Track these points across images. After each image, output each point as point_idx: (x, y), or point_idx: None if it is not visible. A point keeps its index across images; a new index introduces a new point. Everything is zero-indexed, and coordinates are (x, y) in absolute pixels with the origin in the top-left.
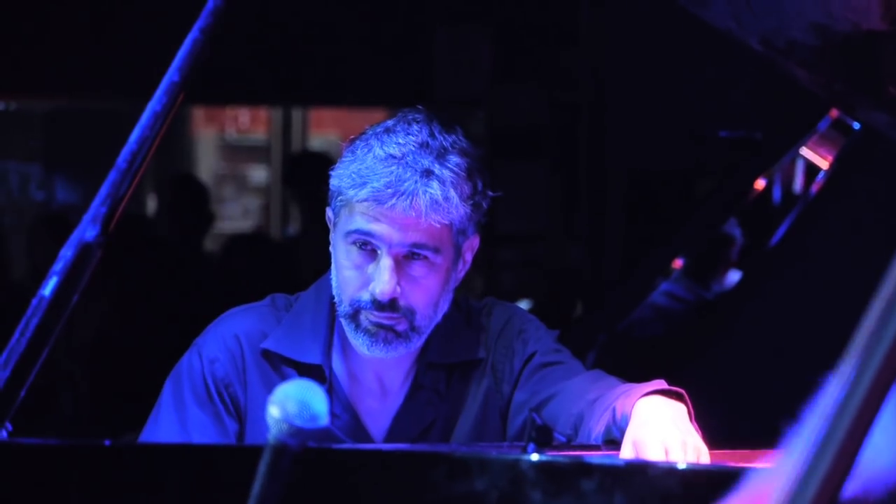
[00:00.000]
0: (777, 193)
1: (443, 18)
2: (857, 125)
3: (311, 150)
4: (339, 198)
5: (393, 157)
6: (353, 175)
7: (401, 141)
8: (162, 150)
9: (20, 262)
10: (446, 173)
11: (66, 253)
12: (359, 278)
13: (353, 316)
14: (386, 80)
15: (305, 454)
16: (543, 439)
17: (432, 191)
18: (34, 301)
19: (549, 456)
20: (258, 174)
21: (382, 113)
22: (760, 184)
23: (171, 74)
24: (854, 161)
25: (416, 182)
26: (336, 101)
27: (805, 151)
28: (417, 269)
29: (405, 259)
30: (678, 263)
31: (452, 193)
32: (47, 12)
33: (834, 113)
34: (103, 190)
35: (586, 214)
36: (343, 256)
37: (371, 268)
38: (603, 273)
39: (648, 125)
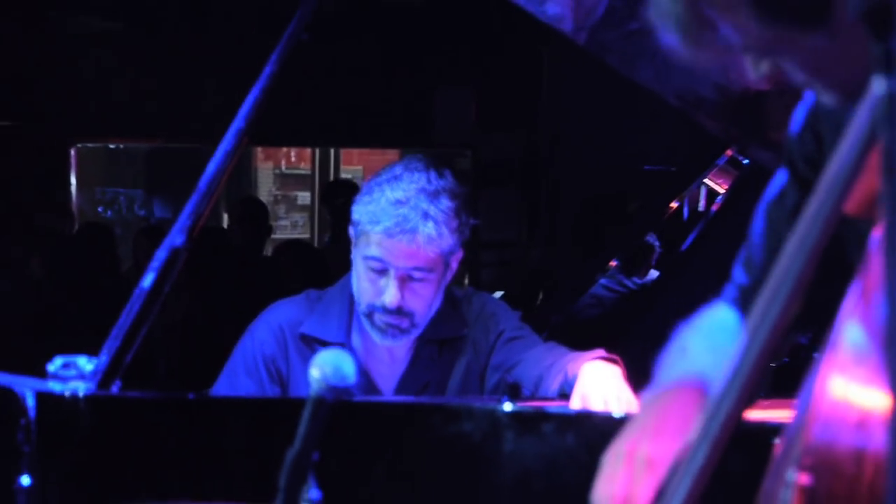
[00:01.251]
0: (686, 212)
1: (440, 82)
2: (746, 161)
3: (342, 179)
4: (359, 227)
5: (400, 201)
6: (371, 213)
7: (405, 188)
8: (232, 178)
9: (127, 262)
10: (440, 215)
11: (161, 255)
12: (373, 289)
13: (369, 315)
14: (398, 128)
15: (338, 405)
16: (513, 394)
17: (429, 230)
18: (136, 291)
19: (518, 406)
20: (303, 196)
21: (395, 152)
22: (674, 205)
23: (239, 122)
24: (744, 188)
25: (417, 223)
26: (360, 143)
27: (708, 180)
28: (416, 284)
29: (407, 278)
30: (613, 263)
31: (444, 230)
32: (148, 77)
33: (730, 151)
34: (188, 208)
35: (546, 228)
36: (361, 271)
37: (382, 282)
38: (557, 271)
39: (593, 161)
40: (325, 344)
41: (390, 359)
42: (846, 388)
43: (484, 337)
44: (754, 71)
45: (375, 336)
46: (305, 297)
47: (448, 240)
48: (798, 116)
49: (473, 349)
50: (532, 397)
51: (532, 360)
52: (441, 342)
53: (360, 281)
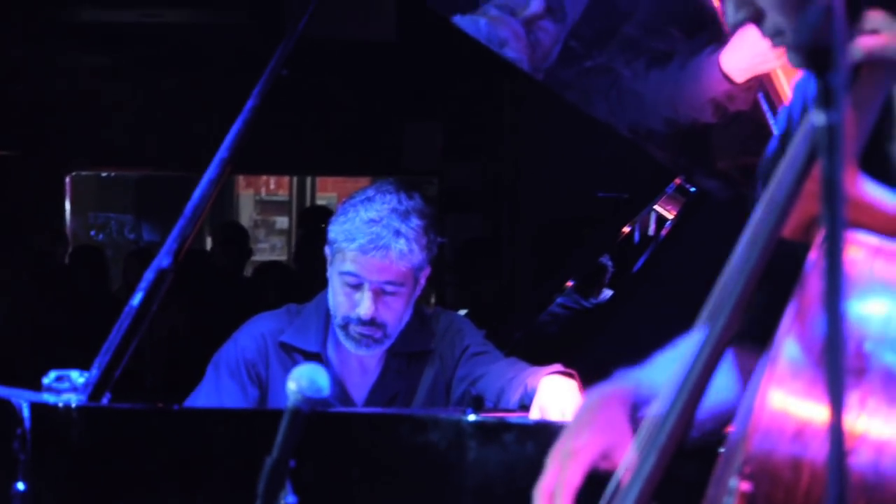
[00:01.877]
0: (637, 236)
1: (409, 115)
2: (693, 189)
3: (317, 205)
4: (335, 245)
5: (373, 220)
6: (347, 232)
7: (378, 208)
8: (215, 204)
9: (117, 282)
10: (411, 232)
11: (149, 275)
12: (348, 302)
13: (344, 327)
14: (370, 157)
15: (313, 415)
16: (477, 405)
17: (400, 246)
18: (126, 309)
19: (481, 417)
20: (282, 221)
21: (368, 179)
22: (626, 229)
23: (222, 152)
24: (690, 214)
25: (389, 240)
26: (335, 172)
27: (657, 207)
28: (388, 297)
29: (380, 291)
30: (569, 284)
31: (414, 246)
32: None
33: (678, 180)
34: (175, 232)
35: (507, 250)
36: (337, 286)
37: (357, 295)
38: (518, 290)
39: (550, 188)
40: (302, 352)
41: (361, 369)
42: (784, 400)
43: (450, 351)
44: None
45: (350, 346)
46: (286, 311)
47: (418, 256)
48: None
49: (440, 362)
50: (494, 409)
51: (495, 373)
52: (410, 355)
53: (336, 295)
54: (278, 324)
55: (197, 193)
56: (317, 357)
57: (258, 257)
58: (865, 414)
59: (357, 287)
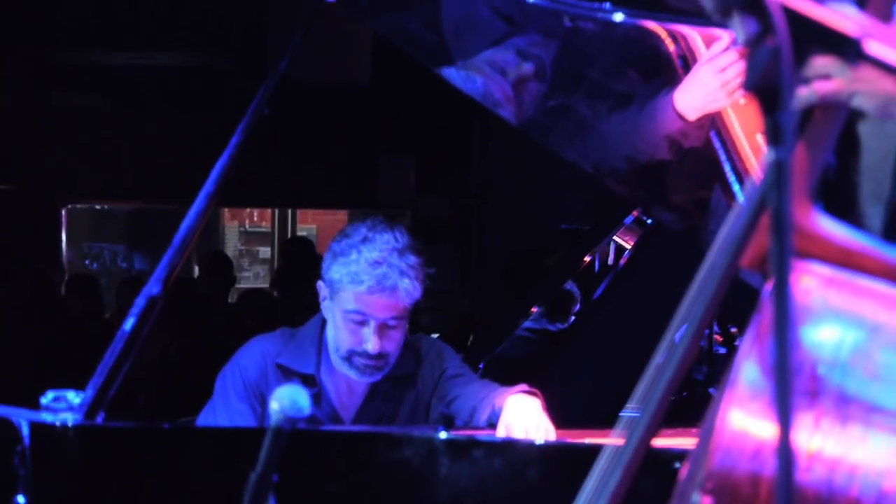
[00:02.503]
0: (597, 265)
1: (383, 152)
2: (650, 221)
3: (298, 236)
4: (338, 285)
5: (377, 262)
6: (352, 274)
7: (379, 248)
8: (202, 235)
9: (111, 308)
10: (411, 270)
11: (140, 302)
12: (353, 338)
13: (348, 358)
14: (347, 191)
15: (294, 433)
16: (448, 424)
17: (405, 285)
18: (118, 333)
19: (452, 434)
20: (264, 251)
21: (345, 212)
22: (587, 259)
23: (209, 186)
24: (647, 244)
25: (395, 279)
26: (315, 205)
27: (616, 237)
28: (391, 330)
29: (385, 326)
30: (534, 310)
31: (416, 283)
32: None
33: (635, 212)
34: (164, 261)
35: (475, 279)
36: (340, 322)
37: (364, 331)
38: (486, 316)
39: (516, 220)
40: (298, 374)
41: (350, 392)
42: (744, 420)
43: (430, 373)
44: None
45: (354, 375)
46: (281, 334)
47: (418, 290)
48: None
49: (421, 384)
50: (465, 427)
51: (468, 394)
52: (395, 379)
53: (340, 331)
54: (275, 346)
55: (185, 225)
56: (311, 379)
57: (242, 285)
58: (819, 434)
59: (362, 324)
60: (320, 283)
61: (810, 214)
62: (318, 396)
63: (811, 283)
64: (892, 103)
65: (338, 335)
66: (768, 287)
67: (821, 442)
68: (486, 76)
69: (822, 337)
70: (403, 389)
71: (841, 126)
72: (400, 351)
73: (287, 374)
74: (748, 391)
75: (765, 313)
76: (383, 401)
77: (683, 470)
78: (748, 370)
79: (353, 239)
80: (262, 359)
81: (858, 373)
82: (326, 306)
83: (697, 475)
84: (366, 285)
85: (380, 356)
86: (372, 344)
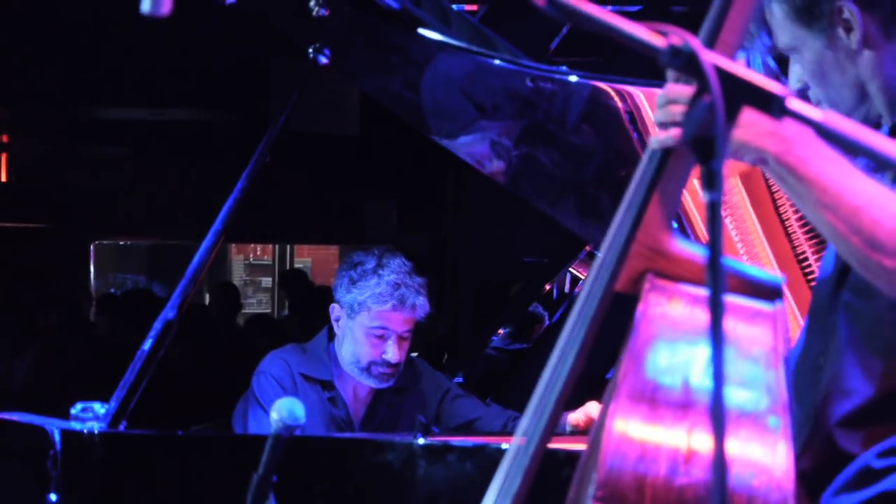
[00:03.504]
0: (555, 293)
1: (370, 195)
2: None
3: (295, 268)
4: (360, 306)
5: (398, 283)
6: (376, 295)
7: (396, 271)
8: (212, 267)
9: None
10: (423, 288)
11: (157, 325)
12: (374, 350)
13: (367, 369)
14: (338, 229)
15: (291, 441)
16: (425, 431)
17: (421, 302)
18: (138, 353)
19: (429, 440)
20: (266, 281)
21: (336, 248)
22: (547, 287)
23: (217, 225)
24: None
25: (413, 299)
26: (310, 241)
27: (572, 269)
28: (404, 342)
29: (401, 338)
30: (500, 332)
31: (426, 299)
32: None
33: (588, 248)
34: (179, 290)
35: (450, 305)
36: (362, 337)
37: (386, 346)
38: (459, 338)
39: (485, 254)
40: (318, 381)
41: (355, 398)
42: (626, 428)
43: (431, 390)
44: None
45: (371, 383)
46: (293, 348)
47: (428, 305)
48: None
49: (422, 399)
50: (439, 434)
51: (490, 416)
52: (395, 390)
53: (360, 345)
54: (294, 358)
55: (197, 258)
56: (330, 384)
57: (247, 310)
58: (693, 440)
59: (384, 338)
60: (334, 306)
61: (672, 240)
62: (334, 400)
63: (679, 303)
64: (766, 155)
65: (358, 349)
66: (640, 309)
67: (695, 447)
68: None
69: (692, 353)
70: (402, 399)
71: (693, 164)
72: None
73: (310, 382)
74: (627, 402)
75: (639, 332)
76: (384, 408)
77: (576, 472)
78: (626, 383)
79: (368, 265)
80: (289, 367)
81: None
82: (343, 325)
83: (589, 477)
84: (390, 304)
85: (396, 365)
86: (392, 354)
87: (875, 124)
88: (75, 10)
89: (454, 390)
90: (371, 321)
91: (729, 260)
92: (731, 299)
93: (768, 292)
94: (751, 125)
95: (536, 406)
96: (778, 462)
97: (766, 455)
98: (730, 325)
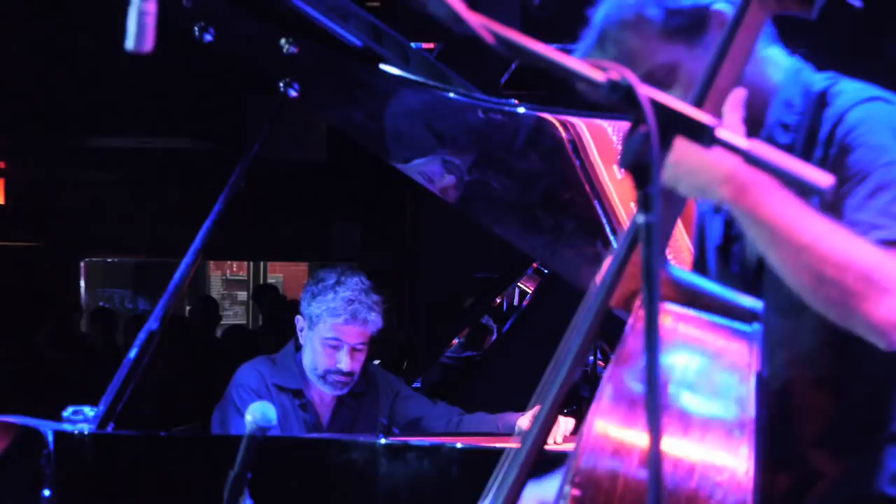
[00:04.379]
0: (505, 306)
1: (336, 218)
2: (546, 271)
3: (268, 283)
4: (318, 319)
5: (352, 300)
6: (331, 309)
7: (352, 288)
8: (192, 282)
9: (120, 340)
10: (376, 306)
11: (142, 336)
12: (329, 360)
13: (323, 377)
14: (308, 248)
15: (264, 440)
16: (387, 432)
17: (373, 318)
18: (125, 360)
19: (390, 440)
20: (242, 295)
21: (306, 265)
22: (497, 300)
23: (196, 244)
24: (544, 289)
25: (365, 314)
26: (282, 258)
27: (520, 284)
28: (358, 353)
29: (354, 349)
30: (455, 341)
31: (379, 316)
32: (135, 212)
33: (535, 264)
34: (161, 303)
35: (409, 317)
36: (319, 347)
37: (339, 354)
38: (416, 346)
39: (441, 271)
40: (290, 390)
41: (321, 403)
42: (605, 427)
43: (385, 394)
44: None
45: (327, 390)
46: (264, 360)
47: (381, 321)
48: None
49: (378, 402)
50: (399, 434)
51: (436, 415)
52: (354, 395)
53: (317, 354)
54: (266, 369)
55: (178, 274)
56: (300, 392)
57: (224, 322)
58: (665, 439)
59: (337, 348)
60: (298, 318)
61: (664, 266)
62: (305, 406)
63: (667, 319)
64: (723, 200)
65: (316, 358)
66: (630, 323)
67: (666, 444)
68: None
69: (673, 362)
70: (360, 403)
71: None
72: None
73: (283, 391)
74: (609, 404)
75: (626, 344)
76: (347, 411)
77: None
78: (609, 388)
79: (328, 282)
80: (262, 378)
81: (701, 391)
82: (305, 335)
83: (570, 470)
84: (343, 317)
85: (349, 374)
86: (345, 364)
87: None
88: (69, 47)
89: (404, 391)
90: (327, 332)
91: (713, 285)
92: (713, 319)
93: (747, 315)
94: (708, 170)
95: (536, 412)
96: (740, 465)
97: (729, 458)
98: (710, 340)
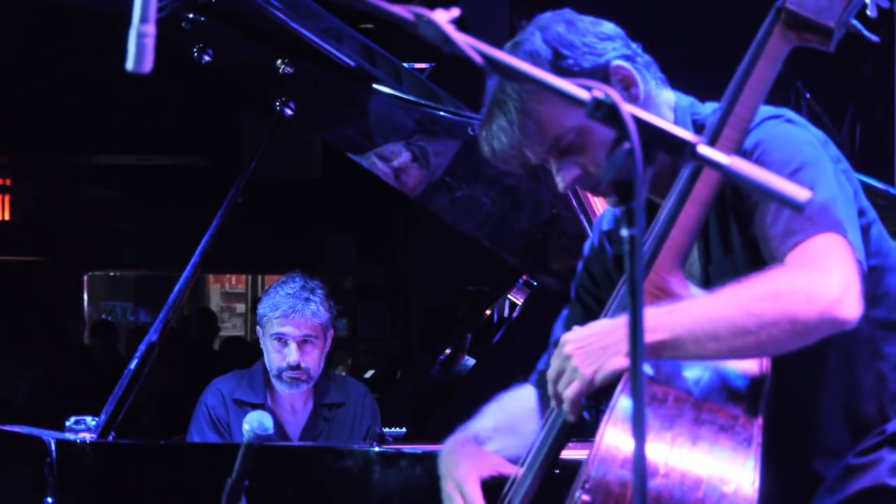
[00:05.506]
0: (496, 317)
1: (332, 231)
2: (535, 283)
3: None
4: (264, 318)
5: (289, 294)
6: (272, 305)
7: (291, 286)
8: (191, 295)
9: (122, 350)
10: (316, 298)
11: (142, 347)
12: (280, 356)
13: (278, 376)
14: (305, 261)
15: (262, 447)
16: (380, 441)
17: (312, 308)
18: (126, 370)
19: (383, 448)
20: (240, 307)
21: None
22: (488, 312)
23: (196, 257)
24: (534, 301)
25: (303, 305)
26: (279, 271)
27: (510, 296)
28: (308, 347)
29: (302, 342)
30: (447, 352)
31: (320, 308)
32: (136, 228)
33: (524, 277)
34: (162, 315)
35: (402, 328)
36: (270, 347)
37: (286, 350)
38: (410, 358)
39: (433, 283)
40: (250, 404)
41: (293, 413)
42: (617, 437)
43: (362, 417)
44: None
45: (283, 388)
46: (234, 375)
47: (325, 315)
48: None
49: (354, 412)
50: (393, 443)
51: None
52: (329, 406)
53: (270, 354)
54: (230, 385)
55: (178, 287)
56: (261, 406)
57: (223, 333)
58: (675, 449)
59: (284, 343)
60: (258, 327)
61: (676, 281)
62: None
63: None
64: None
65: (269, 358)
66: None
67: (676, 455)
68: (372, 163)
69: (685, 374)
70: (336, 413)
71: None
72: (320, 369)
73: (242, 406)
74: (621, 416)
75: None
76: (321, 421)
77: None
78: (623, 401)
79: (274, 285)
80: (221, 395)
81: (711, 402)
82: (261, 339)
83: (581, 477)
84: (281, 311)
85: (300, 368)
86: (293, 357)
87: None
88: (72, 67)
89: (368, 400)
90: (272, 330)
91: None
92: None
93: None
94: (609, 340)
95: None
96: (746, 476)
97: (736, 470)
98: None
